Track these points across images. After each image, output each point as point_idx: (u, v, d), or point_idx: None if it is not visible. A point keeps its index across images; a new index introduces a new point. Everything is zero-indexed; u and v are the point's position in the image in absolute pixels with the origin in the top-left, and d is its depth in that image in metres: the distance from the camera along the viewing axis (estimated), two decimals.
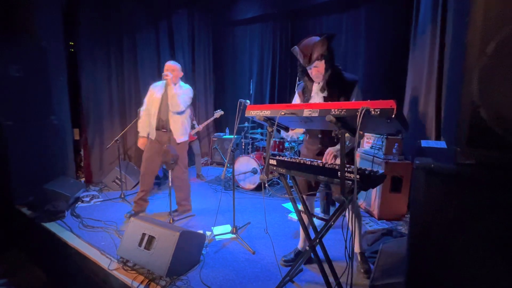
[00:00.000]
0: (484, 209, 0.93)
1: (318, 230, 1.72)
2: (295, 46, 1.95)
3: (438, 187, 0.98)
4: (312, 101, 2.02)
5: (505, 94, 0.86)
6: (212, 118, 4.98)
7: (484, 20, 0.87)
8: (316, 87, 2.01)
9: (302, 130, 2.15)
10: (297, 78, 2.14)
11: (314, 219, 1.84)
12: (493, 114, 0.87)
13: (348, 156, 1.93)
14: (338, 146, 1.76)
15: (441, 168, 0.96)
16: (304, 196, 2.22)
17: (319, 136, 2.04)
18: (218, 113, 4.78)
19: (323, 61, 1.89)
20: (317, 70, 1.92)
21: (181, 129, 3.09)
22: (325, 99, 1.96)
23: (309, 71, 1.97)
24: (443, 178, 0.96)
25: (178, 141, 3.08)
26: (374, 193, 3.22)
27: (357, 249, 2.20)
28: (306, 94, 2.07)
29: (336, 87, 1.93)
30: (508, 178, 0.89)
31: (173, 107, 2.95)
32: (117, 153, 3.96)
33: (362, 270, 2.11)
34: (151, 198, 3.97)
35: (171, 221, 2.97)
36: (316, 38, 1.90)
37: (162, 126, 3.04)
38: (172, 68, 2.99)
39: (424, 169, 0.98)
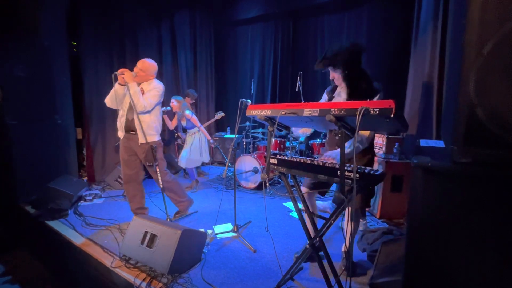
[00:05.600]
0: (481, 206, 0.95)
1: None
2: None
3: (436, 185, 0.99)
4: (334, 101, 2.05)
5: (501, 94, 0.87)
6: (213, 120, 5.00)
7: (481, 21, 0.89)
8: (339, 90, 2.05)
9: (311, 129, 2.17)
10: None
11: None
12: (490, 113, 0.89)
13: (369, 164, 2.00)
14: (337, 151, 1.77)
15: (439, 166, 0.98)
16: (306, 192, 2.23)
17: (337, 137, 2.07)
18: (219, 115, 4.79)
19: (337, 70, 1.92)
20: (332, 75, 1.97)
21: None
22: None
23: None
24: (440, 176, 0.98)
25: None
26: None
27: (344, 248, 2.22)
28: (330, 95, 2.12)
29: (360, 93, 1.92)
30: (504, 176, 0.91)
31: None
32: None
33: (343, 268, 2.14)
34: (153, 198, 4.01)
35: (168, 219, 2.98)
36: (341, 46, 1.89)
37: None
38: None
39: (422, 167, 0.99)
